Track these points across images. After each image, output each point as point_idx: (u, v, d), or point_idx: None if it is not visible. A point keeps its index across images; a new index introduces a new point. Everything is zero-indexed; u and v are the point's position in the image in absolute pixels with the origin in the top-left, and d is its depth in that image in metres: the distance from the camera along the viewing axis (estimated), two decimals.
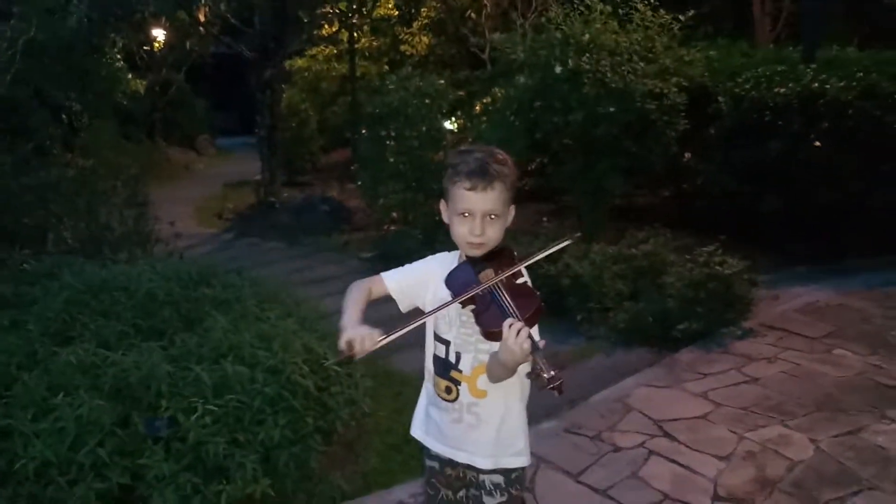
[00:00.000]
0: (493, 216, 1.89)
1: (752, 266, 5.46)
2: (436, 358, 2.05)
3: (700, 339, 5.00)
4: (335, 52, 14.47)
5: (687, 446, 3.63)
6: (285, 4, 9.61)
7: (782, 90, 6.66)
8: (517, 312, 1.73)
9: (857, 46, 8.70)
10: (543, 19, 7.66)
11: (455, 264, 1.99)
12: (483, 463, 2.02)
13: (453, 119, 8.88)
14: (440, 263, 2.05)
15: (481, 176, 1.86)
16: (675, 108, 6.98)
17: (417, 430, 2.18)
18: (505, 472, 2.03)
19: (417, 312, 2.03)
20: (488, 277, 1.85)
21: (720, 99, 7.12)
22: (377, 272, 2.09)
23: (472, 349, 1.96)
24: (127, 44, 14.09)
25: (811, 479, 3.31)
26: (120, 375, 3.12)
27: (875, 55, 7.32)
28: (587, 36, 6.91)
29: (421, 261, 2.10)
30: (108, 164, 7.11)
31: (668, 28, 7.33)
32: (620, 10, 7.19)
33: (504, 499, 2.05)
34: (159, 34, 15.75)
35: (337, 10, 11.67)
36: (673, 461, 3.49)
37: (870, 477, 3.32)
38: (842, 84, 6.45)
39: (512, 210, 1.96)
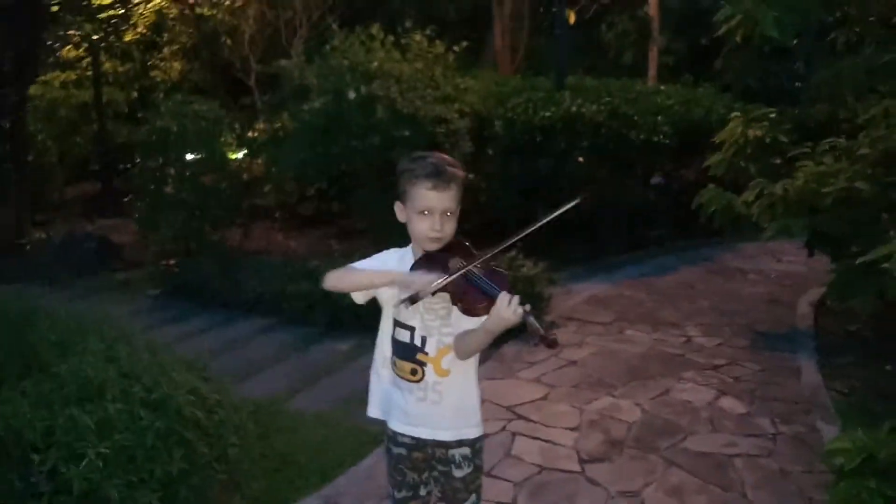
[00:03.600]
0: (449, 213, 2.13)
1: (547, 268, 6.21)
2: (398, 343, 2.22)
3: (517, 334, 5.55)
4: (73, 77, 13.21)
5: (542, 424, 4.09)
6: (29, 24, 8.67)
7: (547, 114, 7.61)
8: (498, 287, 1.98)
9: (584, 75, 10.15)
10: (328, 47, 7.86)
11: (410, 259, 2.19)
12: (445, 435, 2.22)
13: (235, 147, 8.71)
14: (398, 260, 2.23)
15: (440, 177, 2.10)
16: (459, 132, 7.60)
17: (376, 411, 2.33)
18: (471, 444, 2.26)
19: (373, 304, 2.27)
20: (458, 264, 2.07)
21: (496, 123, 7.90)
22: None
23: (437, 333, 2.17)
24: None
25: (647, 434, 3.94)
26: None
27: (610, 83, 8.66)
28: (375, 64, 7.29)
29: (378, 256, 2.28)
30: None
31: (443, 58, 7.97)
32: (402, 40, 7.66)
33: (470, 469, 2.27)
34: None
35: (82, 34, 10.76)
36: (535, 438, 3.93)
37: (687, 424, 4.05)
38: (594, 107, 7.56)
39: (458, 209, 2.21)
